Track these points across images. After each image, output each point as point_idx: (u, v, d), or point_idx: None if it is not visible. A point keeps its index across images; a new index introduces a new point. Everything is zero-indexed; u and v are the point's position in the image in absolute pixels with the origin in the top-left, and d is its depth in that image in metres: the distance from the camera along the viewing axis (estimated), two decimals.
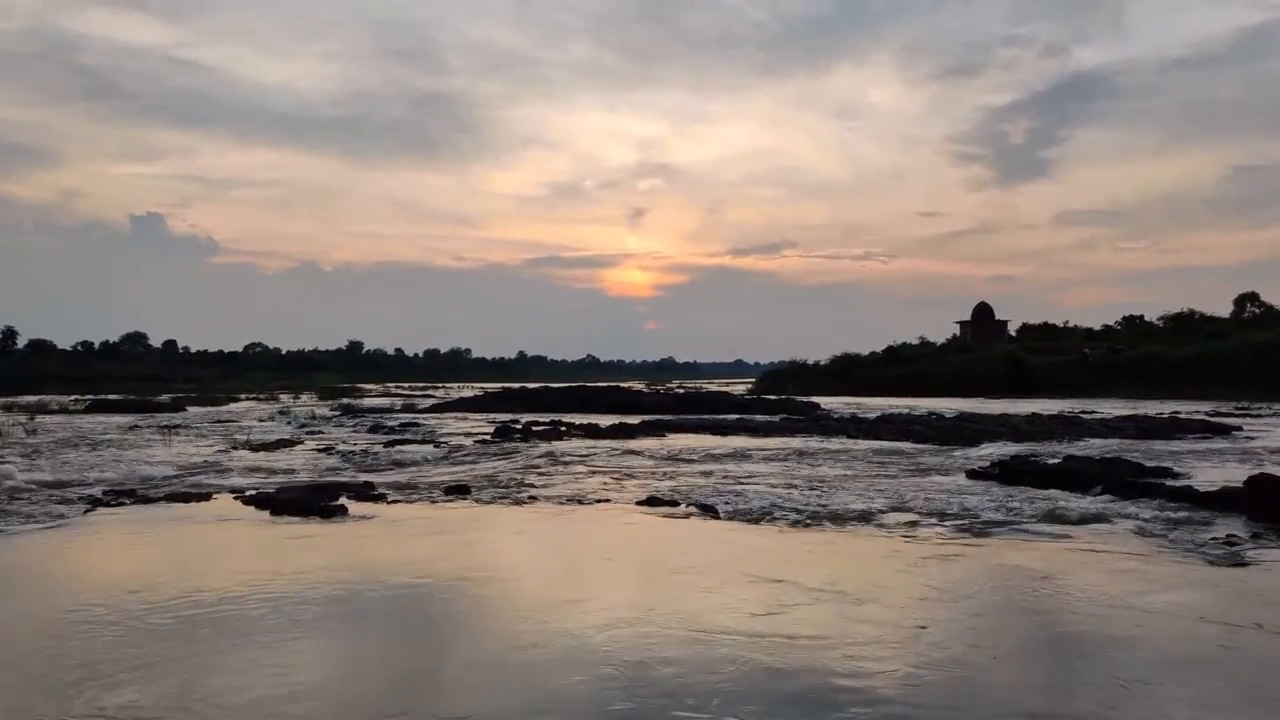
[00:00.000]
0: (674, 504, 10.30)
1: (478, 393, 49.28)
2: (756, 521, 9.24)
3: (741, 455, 16.76)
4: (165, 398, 48.51)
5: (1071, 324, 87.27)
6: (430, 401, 46.31)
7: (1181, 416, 28.12)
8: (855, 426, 23.82)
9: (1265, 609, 5.94)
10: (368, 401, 48.43)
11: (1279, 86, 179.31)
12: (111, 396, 45.46)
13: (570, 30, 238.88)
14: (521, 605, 5.93)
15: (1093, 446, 18.45)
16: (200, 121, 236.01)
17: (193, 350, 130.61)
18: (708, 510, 9.86)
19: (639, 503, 10.46)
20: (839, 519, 9.30)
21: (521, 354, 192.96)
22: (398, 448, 18.61)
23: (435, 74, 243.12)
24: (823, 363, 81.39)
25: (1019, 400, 47.28)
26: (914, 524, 9.03)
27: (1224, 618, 5.63)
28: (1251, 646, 4.99)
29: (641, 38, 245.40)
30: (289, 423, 29.17)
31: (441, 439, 21.20)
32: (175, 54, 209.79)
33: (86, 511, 9.83)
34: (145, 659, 4.69)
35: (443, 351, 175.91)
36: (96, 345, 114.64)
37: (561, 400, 38.87)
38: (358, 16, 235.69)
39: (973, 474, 13.15)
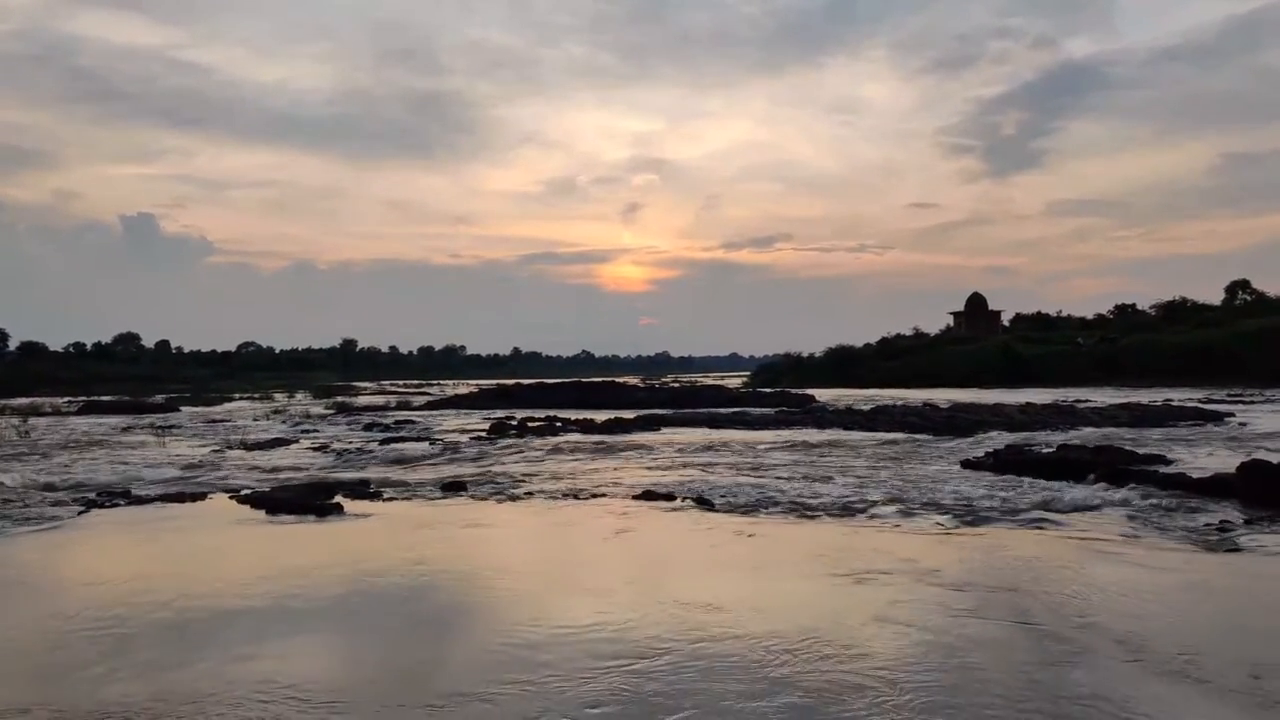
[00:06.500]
0: (670, 497, 10.31)
1: (473, 390, 49.25)
2: (752, 514, 9.26)
3: (737, 449, 16.78)
4: (159, 398, 48.36)
5: (1065, 314, 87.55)
6: (425, 399, 46.24)
7: (1174, 404, 28.24)
8: (850, 419, 23.86)
9: (1260, 593, 5.98)
10: (362, 400, 48.37)
11: (1269, 75, 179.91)
12: (105, 398, 45.32)
13: (566, 29, 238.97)
14: (518, 601, 5.93)
15: (1086, 435, 18.51)
16: (196, 122, 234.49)
17: (186, 351, 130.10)
18: (703, 503, 9.88)
19: (635, 497, 10.47)
20: (834, 510, 9.32)
21: (516, 350, 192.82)
22: (393, 445, 18.60)
23: (431, 74, 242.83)
24: (818, 355, 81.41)
25: (1013, 390, 47.38)
26: (909, 514, 9.05)
27: (1220, 602, 5.67)
28: (1248, 633, 5.02)
29: (636, 36, 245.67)
30: (283, 422, 29.10)
31: (436, 436, 21.18)
32: (171, 55, 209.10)
33: (81, 513, 9.81)
34: (141, 656, 4.68)
35: (437, 349, 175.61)
36: (89, 347, 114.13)
37: (557, 396, 38.86)
38: (354, 18, 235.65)
39: (967, 464, 13.18)
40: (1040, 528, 8.29)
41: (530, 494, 10.99)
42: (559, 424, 23.37)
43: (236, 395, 58.30)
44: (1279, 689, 4.07)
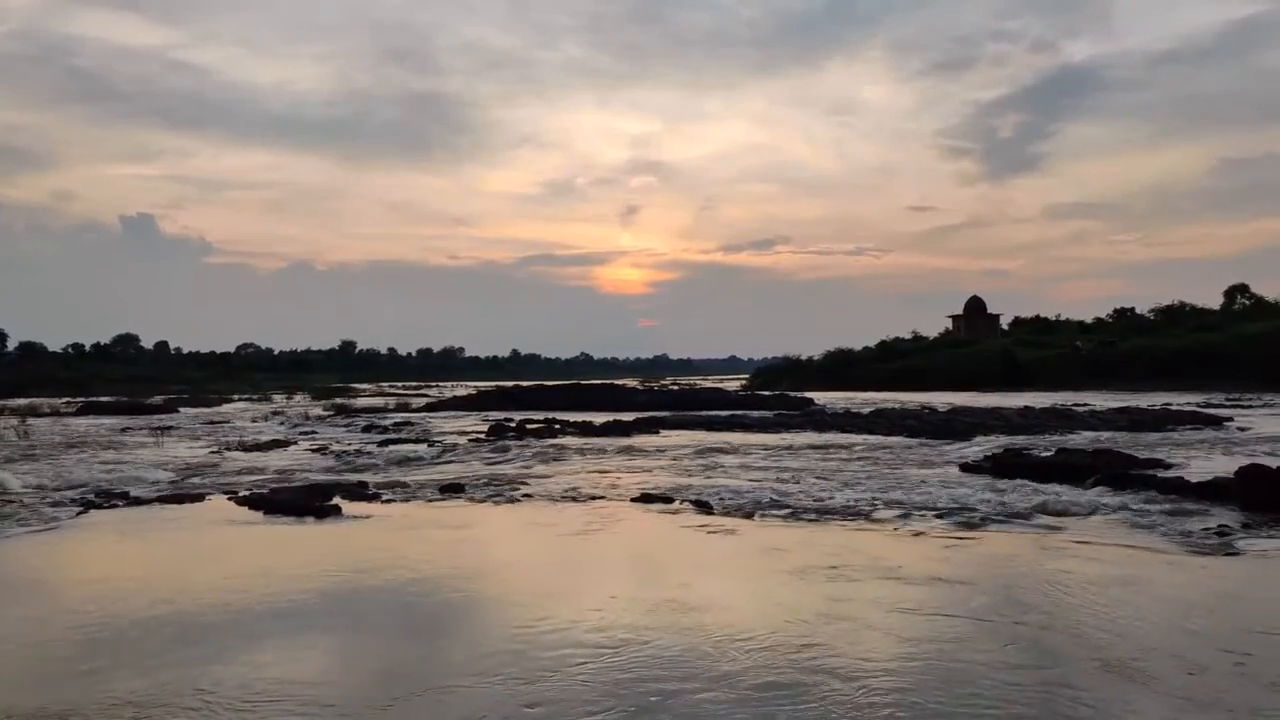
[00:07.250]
0: (668, 500, 10.31)
1: (471, 391, 49.18)
2: (749, 517, 9.25)
3: (736, 451, 16.78)
4: (157, 399, 48.26)
5: (1063, 317, 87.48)
6: (424, 401, 46.15)
7: (1173, 408, 28.23)
8: (849, 421, 23.86)
9: (1257, 599, 5.98)
10: (361, 401, 48.31)
11: (1266, 79, 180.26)
12: (103, 399, 45.23)
13: (564, 30, 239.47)
14: (501, 602, 5.93)
15: (1085, 439, 18.50)
16: (194, 123, 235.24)
17: (185, 351, 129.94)
18: (702, 506, 9.87)
19: (634, 499, 10.46)
20: (832, 513, 9.31)
21: (515, 352, 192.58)
22: (391, 447, 18.58)
23: (430, 75, 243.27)
24: (816, 358, 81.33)
25: (1011, 394, 47.41)
26: (906, 517, 9.05)
27: (1216, 607, 5.66)
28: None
29: (634, 37, 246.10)
30: (282, 423, 29.09)
31: (435, 438, 21.16)
32: (170, 56, 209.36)
33: (79, 514, 9.80)
34: (138, 658, 4.67)
35: (436, 350, 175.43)
36: (88, 347, 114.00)
37: (555, 398, 38.81)
38: (353, 18, 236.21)
39: (966, 468, 13.18)
40: (1037, 531, 8.29)
41: (529, 496, 10.98)
42: (558, 426, 23.35)
43: (235, 396, 58.25)
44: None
